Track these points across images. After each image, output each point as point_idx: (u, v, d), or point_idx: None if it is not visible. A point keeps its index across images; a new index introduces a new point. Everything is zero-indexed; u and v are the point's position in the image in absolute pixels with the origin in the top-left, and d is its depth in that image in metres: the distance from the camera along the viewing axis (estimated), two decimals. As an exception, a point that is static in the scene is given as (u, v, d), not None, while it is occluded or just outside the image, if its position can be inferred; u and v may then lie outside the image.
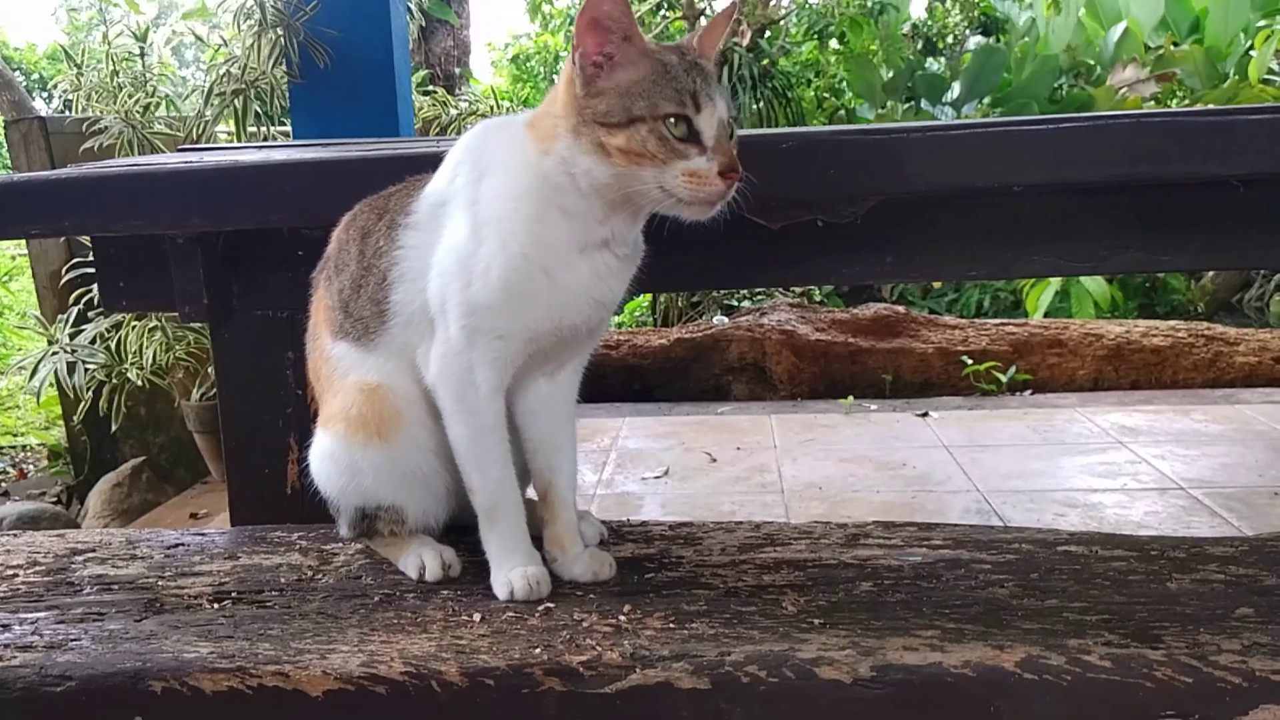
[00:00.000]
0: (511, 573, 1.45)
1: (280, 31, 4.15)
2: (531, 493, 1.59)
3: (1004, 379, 4.80)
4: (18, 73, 10.11)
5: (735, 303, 5.77)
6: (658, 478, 3.82)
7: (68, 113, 4.85)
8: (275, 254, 2.01)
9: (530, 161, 1.39)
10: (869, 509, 3.40)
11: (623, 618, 1.34)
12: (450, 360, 1.41)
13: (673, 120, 1.35)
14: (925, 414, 4.47)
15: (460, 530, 1.59)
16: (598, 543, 1.63)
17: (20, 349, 6.56)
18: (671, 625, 1.32)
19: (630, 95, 1.37)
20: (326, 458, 1.53)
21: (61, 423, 4.84)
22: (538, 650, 1.26)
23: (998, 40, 8.21)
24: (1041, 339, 4.84)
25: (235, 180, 1.89)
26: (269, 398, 2.07)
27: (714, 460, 3.97)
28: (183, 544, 1.63)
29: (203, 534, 1.69)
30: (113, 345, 3.93)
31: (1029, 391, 4.80)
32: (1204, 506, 3.34)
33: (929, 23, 8.42)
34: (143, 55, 4.58)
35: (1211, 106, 2.73)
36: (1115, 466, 3.75)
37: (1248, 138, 1.75)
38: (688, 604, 1.38)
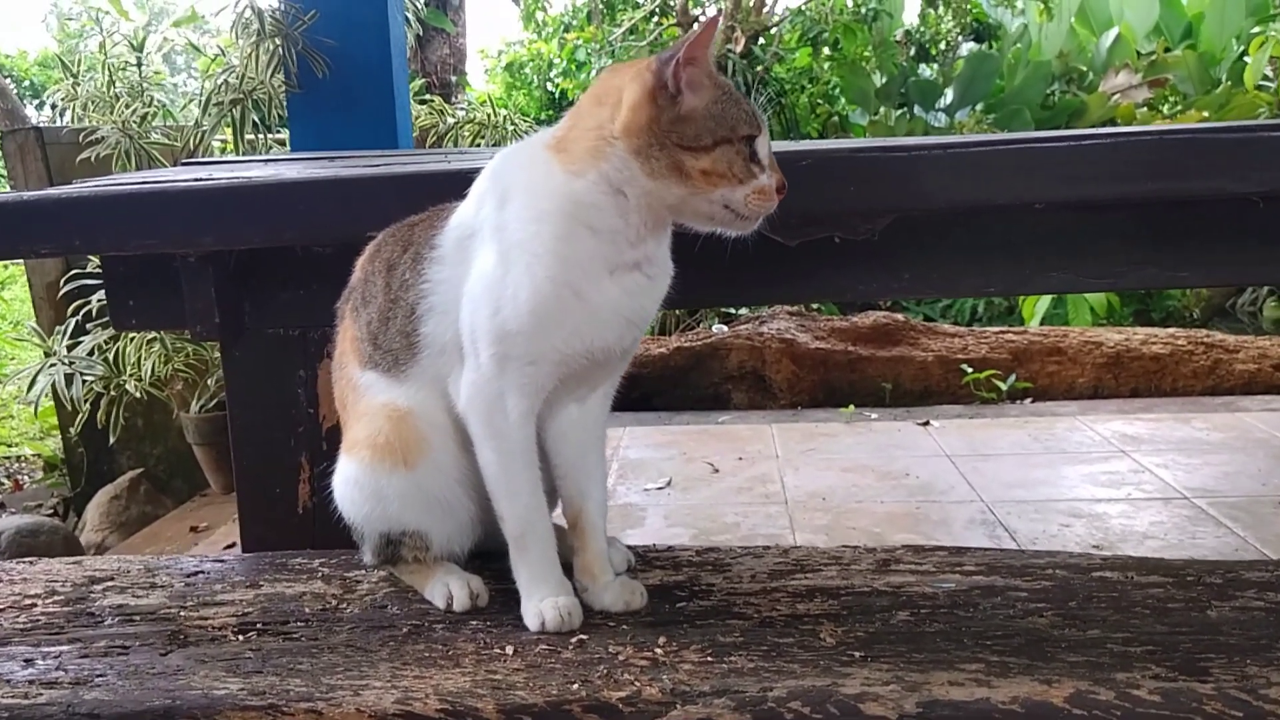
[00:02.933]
0: (543, 603, 1.42)
1: (278, 41, 4.11)
2: (559, 517, 1.57)
3: (1004, 387, 4.79)
4: (9, 79, 10.05)
5: (734, 311, 5.74)
6: (660, 489, 3.79)
7: (62, 121, 4.80)
8: (287, 272, 1.99)
9: (555, 183, 1.37)
10: (873, 520, 3.39)
11: (659, 650, 1.32)
12: (481, 388, 1.40)
13: (745, 141, 1.38)
14: (926, 423, 4.46)
15: (485, 556, 1.57)
16: (626, 569, 1.61)
17: (14, 359, 6.52)
18: (709, 658, 1.29)
19: (713, 119, 1.37)
20: (351, 483, 1.51)
21: (57, 433, 4.79)
22: (575, 686, 1.23)
23: (990, 46, 8.21)
24: (1041, 347, 4.83)
25: (248, 199, 1.87)
26: (281, 416, 2.04)
27: (716, 470, 3.95)
28: (202, 571, 1.60)
29: (222, 560, 1.66)
30: (111, 357, 3.90)
31: (1029, 400, 4.79)
32: (1209, 516, 3.32)
33: (922, 29, 8.41)
34: (139, 64, 4.54)
35: (1232, 123, 2.71)
36: (1118, 476, 3.74)
37: (1269, 154, 1.74)
38: (723, 635, 1.36)
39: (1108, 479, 3.71)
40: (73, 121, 4.46)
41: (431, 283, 1.45)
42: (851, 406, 4.75)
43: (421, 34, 6.82)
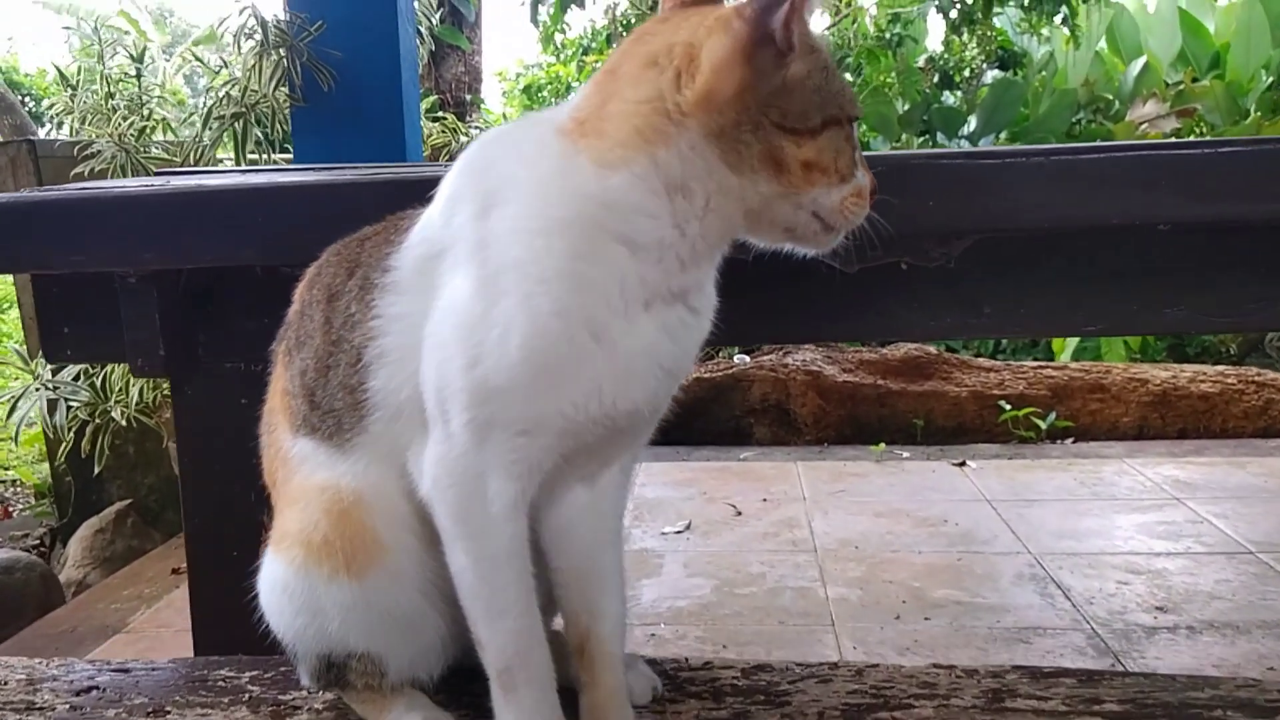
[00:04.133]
0: None
1: (283, 52, 3.79)
2: (558, 621, 1.18)
3: (1043, 425, 4.39)
4: (27, 98, 9.76)
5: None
6: (679, 532, 3.42)
7: (59, 135, 4.50)
8: (248, 296, 1.61)
9: (577, 180, 0.98)
10: (911, 572, 3.01)
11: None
12: (452, 466, 1.00)
13: (851, 125, 1.03)
14: (963, 463, 4.08)
15: (467, 674, 1.16)
16: (650, 699, 1.21)
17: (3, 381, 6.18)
18: None
19: (819, 92, 1.00)
20: (279, 590, 1.11)
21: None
22: None
23: (1015, 74, 7.84)
24: (1082, 383, 4.44)
25: (197, 208, 1.50)
26: (239, 466, 1.65)
27: (739, 513, 3.58)
28: (96, 687, 1.20)
29: (126, 670, 1.26)
30: (97, 382, 3.55)
31: (1070, 439, 4.39)
32: (1277, 573, 2.94)
33: (946, 56, 8.05)
34: (139, 76, 4.21)
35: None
36: (1175, 526, 3.35)
37: None
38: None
39: (1164, 529, 3.32)
40: (71, 135, 4.17)
41: (383, 319, 1.05)
42: (882, 444, 4.37)
43: (436, 50, 6.49)
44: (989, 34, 7.83)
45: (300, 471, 1.12)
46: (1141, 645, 2.56)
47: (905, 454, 4.32)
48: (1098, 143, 2.54)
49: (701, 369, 4.68)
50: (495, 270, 0.97)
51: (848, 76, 7.78)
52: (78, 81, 4.21)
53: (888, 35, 7.54)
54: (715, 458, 4.34)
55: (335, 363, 1.09)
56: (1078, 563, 3.08)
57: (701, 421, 4.52)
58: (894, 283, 1.53)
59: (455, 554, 1.02)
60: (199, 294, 1.61)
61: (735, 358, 4.84)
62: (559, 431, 1.00)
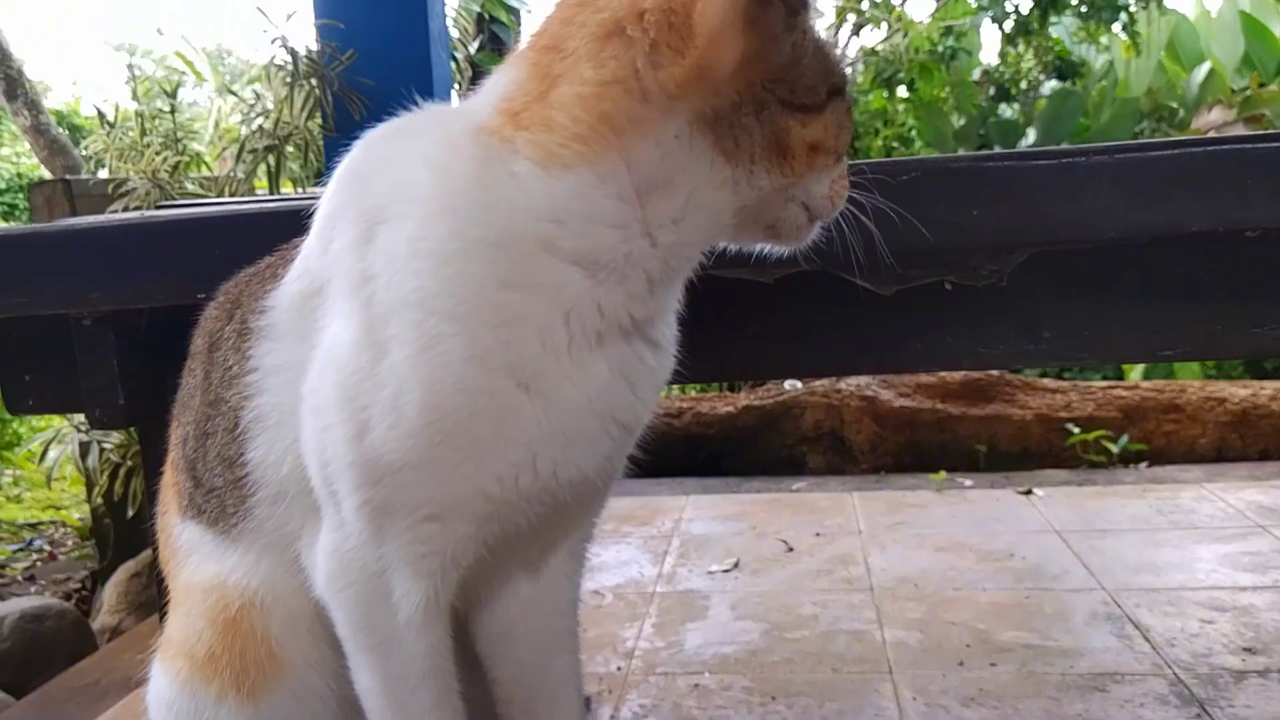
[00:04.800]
0: None
1: (314, 82, 3.69)
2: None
3: (1115, 449, 4.12)
4: (87, 140, 9.84)
5: (808, 364, 5.15)
6: (726, 571, 3.20)
7: (99, 173, 4.46)
8: (220, 338, 1.45)
9: (502, 188, 0.79)
10: (975, 612, 2.77)
11: None
12: (347, 561, 0.82)
13: (843, 95, 0.87)
14: (1029, 491, 3.81)
15: None
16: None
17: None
18: None
19: (820, 55, 0.84)
20: (164, 708, 0.93)
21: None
22: None
23: (1074, 84, 7.56)
24: (1155, 403, 4.16)
25: (148, 243, 1.33)
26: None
27: (790, 549, 3.36)
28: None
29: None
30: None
31: (1144, 463, 4.12)
32: (1378, 608, 2.66)
33: (1001, 68, 7.79)
34: (173, 112, 4.14)
35: None
36: (1261, 557, 3.07)
37: None
38: None
39: (1250, 561, 3.04)
40: (110, 173, 4.12)
41: (260, 372, 0.87)
42: (942, 472, 4.13)
43: (473, 76, 6.37)
44: (1045, 44, 7.57)
45: (187, 565, 0.94)
46: (1230, 692, 2.30)
47: (967, 482, 4.06)
48: (1170, 137, 2.29)
49: (751, 396, 4.47)
50: (385, 310, 0.77)
51: (901, 92, 7.57)
52: (115, 120, 4.17)
53: (940, 49, 7.29)
54: (767, 489, 4.12)
55: (213, 429, 0.91)
56: (1156, 599, 2.81)
57: (751, 451, 4.32)
58: (937, 305, 1.33)
59: (359, 671, 0.83)
60: (165, 337, 1.45)
61: (786, 384, 4.63)
62: (479, 516, 0.81)
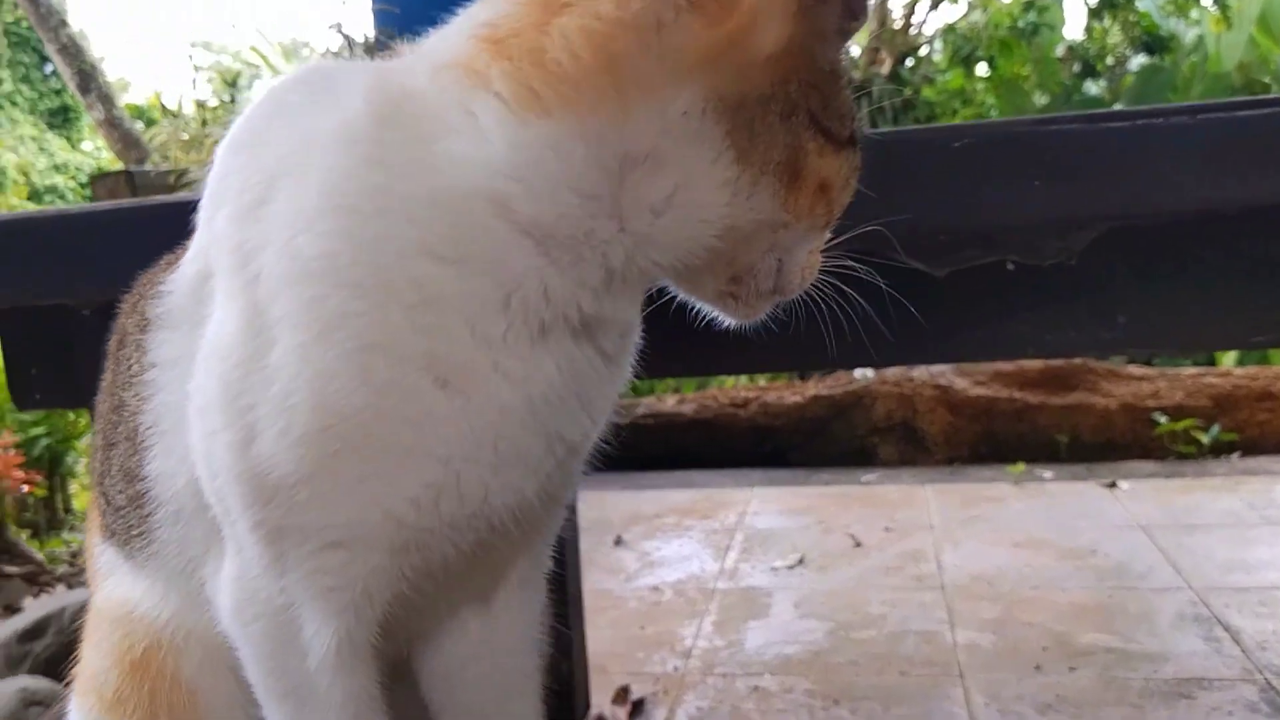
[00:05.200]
0: None
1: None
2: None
3: (1205, 439, 3.90)
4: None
5: (881, 352, 4.98)
6: (791, 568, 3.09)
7: (164, 165, 4.48)
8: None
9: (450, 132, 0.66)
10: (1054, 613, 2.62)
11: None
12: (250, 592, 0.71)
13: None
14: (1113, 484, 3.63)
15: None
16: None
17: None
18: None
19: (849, 92, 0.73)
20: None
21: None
22: None
23: (1162, 59, 7.25)
24: (1249, 391, 3.94)
25: (138, 225, 1.25)
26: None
27: (859, 544, 3.23)
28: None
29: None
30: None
31: (1237, 454, 3.89)
32: None
33: (1086, 44, 7.50)
34: (233, 102, 4.14)
35: None
36: (1364, 556, 2.88)
37: None
38: None
39: (1352, 560, 2.86)
40: (173, 164, 4.14)
41: (157, 368, 0.76)
42: (1021, 464, 3.95)
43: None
44: (1132, 18, 7.27)
45: (102, 589, 0.85)
46: (1327, 701, 2.14)
47: (1047, 474, 3.89)
48: (1262, 95, 2.10)
49: (820, 385, 4.33)
50: (275, 286, 0.65)
51: (981, 70, 7.33)
52: (177, 111, 4.19)
53: (1021, 24, 7.04)
54: (835, 481, 3.99)
55: (116, 437, 0.81)
56: (1247, 600, 2.64)
57: (819, 442, 4.19)
58: (998, 288, 1.20)
59: (271, 717, 0.72)
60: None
61: (856, 373, 4.48)
62: (393, 545, 0.69)
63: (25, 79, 12.23)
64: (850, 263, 0.86)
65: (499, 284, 0.67)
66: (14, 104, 12.13)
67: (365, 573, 0.70)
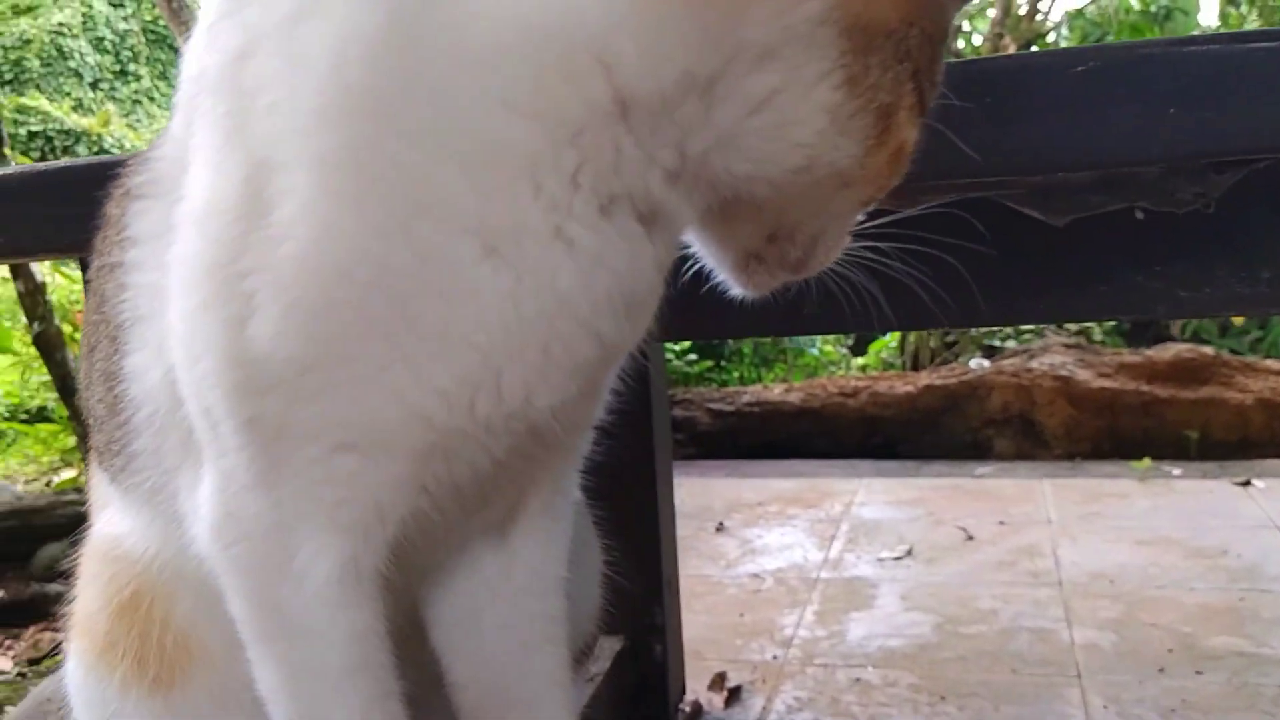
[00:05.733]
0: None
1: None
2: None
3: (1350, 438, 3.66)
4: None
5: (998, 343, 4.80)
6: (898, 559, 2.97)
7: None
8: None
9: None
10: (1180, 614, 2.46)
11: None
12: (233, 508, 0.61)
13: None
14: (1247, 482, 3.42)
15: None
16: None
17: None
18: None
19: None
20: (74, 689, 0.77)
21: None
22: None
23: (1306, 43, 6.87)
24: (1399, 387, 3.67)
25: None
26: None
27: (970, 538, 3.09)
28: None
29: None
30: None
31: (1385, 453, 3.64)
32: None
33: (1222, 29, 7.15)
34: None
35: None
36: None
37: None
38: None
39: None
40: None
41: (137, 247, 0.67)
42: (1147, 459, 3.74)
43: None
44: (1271, 2, 6.91)
45: (97, 522, 0.78)
46: None
47: (1176, 471, 3.69)
48: None
49: (933, 375, 4.19)
50: (291, 130, 0.55)
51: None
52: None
53: (1153, 8, 6.75)
54: (947, 474, 3.85)
55: (97, 339, 0.73)
56: (1395, 606, 2.44)
57: (931, 434, 4.06)
58: (1126, 239, 1.09)
59: (259, 665, 0.63)
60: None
61: (971, 362, 4.32)
62: (417, 450, 0.59)
63: (162, 75, 12.68)
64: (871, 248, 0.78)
65: (576, 146, 0.58)
66: (151, 99, 12.58)
67: (380, 483, 0.60)
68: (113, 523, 0.76)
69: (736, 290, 0.73)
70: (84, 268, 1.32)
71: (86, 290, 0.82)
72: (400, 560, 0.65)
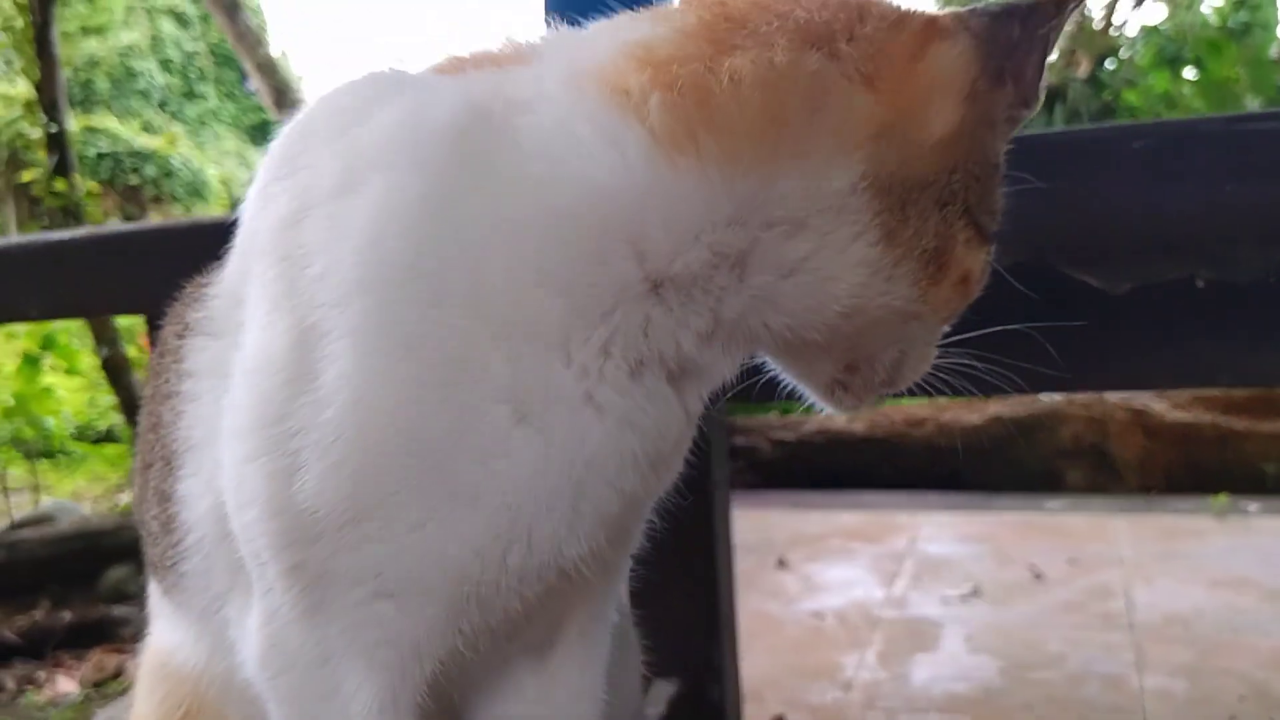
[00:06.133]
0: None
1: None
2: None
3: None
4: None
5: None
6: (963, 598, 2.95)
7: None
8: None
9: (593, 155, 0.60)
10: (1256, 659, 2.42)
11: None
12: (280, 641, 0.64)
13: None
14: (1327, 520, 3.34)
15: None
16: None
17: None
18: None
19: (1000, 184, 0.70)
20: None
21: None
22: None
23: (1392, 57, 6.71)
24: None
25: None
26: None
27: (1038, 576, 3.06)
28: None
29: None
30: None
31: None
32: None
33: (1305, 42, 7.01)
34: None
35: None
36: None
37: None
38: None
39: None
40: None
41: (194, 378, 0.71)
42: (1223, 495, 3.68)
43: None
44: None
45: (152, 632, 0.81)
46: None
47: (1253, 507, 3.63)
48: None
49: (1002, 405, 4.14)
50: (338, 299, 0.59)
51: (1188, 72, 6.94)
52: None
53: (1231, 23, 6.63)
54: (1016, 507, 3.81)
55: (153, 458, 0.76)
56: None
57: (1000, 465, 4.02)
58: (1184, 308, 1.09)
59: None
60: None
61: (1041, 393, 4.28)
62: (452, 598, 0.63)
63: (229, 95, 12.97)
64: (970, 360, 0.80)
65: (607, 322, 0.62)
66: (218, 119, 12.88)
67: (417, 626, 0.64)
68: (166, 635, 0.80)
69: (829, 411, 0.75)
70: (151, 326, 1.38)
71: (151, 341, 0.87)
72: (440, 687, 0.68)
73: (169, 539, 0.73)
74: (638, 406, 0.63)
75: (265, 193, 0.67)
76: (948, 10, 0.68)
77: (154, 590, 0.83)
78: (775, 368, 0.75)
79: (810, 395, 0.74)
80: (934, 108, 0.63)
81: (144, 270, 1.35)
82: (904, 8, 0.67)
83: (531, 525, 0.62)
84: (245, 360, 0.63)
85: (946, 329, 0.73)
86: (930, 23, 0.65)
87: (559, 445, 0.61)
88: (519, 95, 0.63)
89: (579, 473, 0.62)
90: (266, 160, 0.69)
